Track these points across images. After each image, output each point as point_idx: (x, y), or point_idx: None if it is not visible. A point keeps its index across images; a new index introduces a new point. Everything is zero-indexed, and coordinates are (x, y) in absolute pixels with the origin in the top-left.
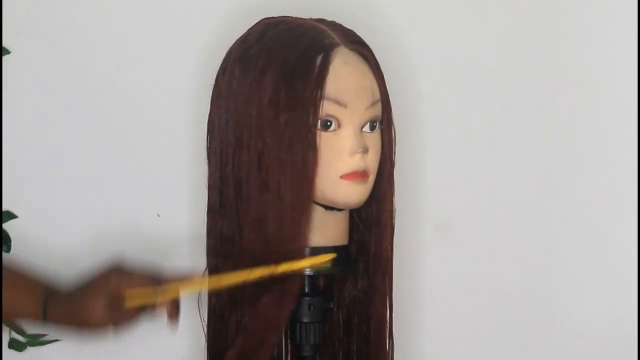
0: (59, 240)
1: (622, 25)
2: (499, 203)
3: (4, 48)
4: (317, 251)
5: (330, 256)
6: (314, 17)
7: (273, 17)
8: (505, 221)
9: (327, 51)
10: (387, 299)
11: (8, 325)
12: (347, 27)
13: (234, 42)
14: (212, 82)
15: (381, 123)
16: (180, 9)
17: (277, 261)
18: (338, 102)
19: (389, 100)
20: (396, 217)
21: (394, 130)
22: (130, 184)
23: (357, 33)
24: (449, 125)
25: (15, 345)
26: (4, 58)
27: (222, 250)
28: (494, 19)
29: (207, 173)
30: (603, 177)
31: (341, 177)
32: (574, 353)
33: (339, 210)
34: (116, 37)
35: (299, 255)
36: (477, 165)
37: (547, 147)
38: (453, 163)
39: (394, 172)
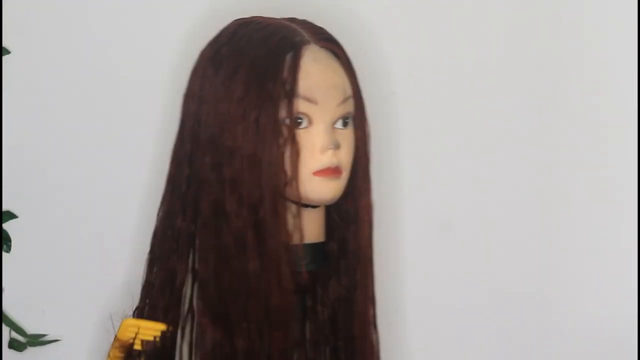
0: (58, 240)
1: (622, 25)
2: (490, 199)
3: (4, 48)
4: (293, 249)
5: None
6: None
7: (245, 18)
8: (497, 217)
9: (297, 49)
10: (370, 295)
11: (8, 325)
12: (320, 25)
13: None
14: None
15: (354, 119)
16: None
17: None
18: (308, 99)
19: (362, 96)
20: (377, 213)
21: (368, 126)
22: (131, 184)
23: (331, 30)
24: (432, 120)
25: (15, 345)
26: (4, 58)
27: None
28: (486, 15)
29: (168, 175)
30: (603, 177)
31: (313, 173)
32: (573, 353)
33: (314, 207)
34: (117, 37)
35: (278, 253)
36: (468, 161)
37: (544, 146)
38: (438, 159)
39: (370, 168)
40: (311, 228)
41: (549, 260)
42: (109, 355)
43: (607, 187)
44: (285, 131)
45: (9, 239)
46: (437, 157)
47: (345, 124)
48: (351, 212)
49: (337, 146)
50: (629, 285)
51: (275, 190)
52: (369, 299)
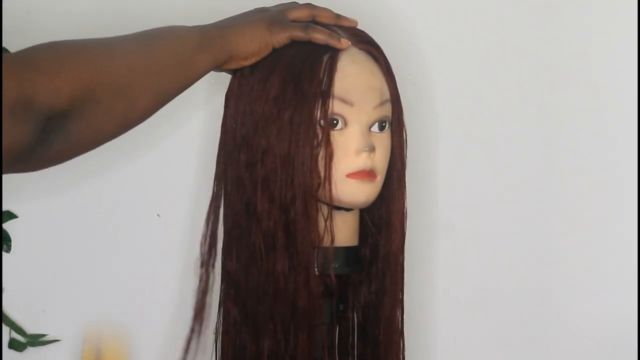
0: (58, 240)
1: (623, 24)
2: (511, 204)
3: (4, 48)
4: (323, 252)
5: None
6: None
7: None
8: (517, 223)
9: (334, 49)
10: (398, 301)
11: (8, 325)
12: (360, 27)
13: None
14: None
15: (391, 124)
16: (191, 8)
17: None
18: (344, 101)
19: (400, 100)
20: (409, 219)
21: (405, 131)
22: (131, 184)
23: (370, 33)
24: (461, 127)
25: (15, 345)
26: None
27: (230, 251)
28: (506, 21)
29: (214, 174)
30: (604, 177)
31: (347, 175)
32: (574, 353)
33: (347, 210)
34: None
35: (307, 254)
36: (489, 167)
37: (555, 149)
38: (465, 165)
39: (406, 174)
40: (344, 231)
41: (552, 260)
42: None
43: (607, 187)
44: (319, 132)
45: (9, 239)
46: (449, 160)
47: (382, 128)
48: (384, 217)
49: (371, 149)
50: (629, 285)
51: (308, 191)
52: (397, 305)
